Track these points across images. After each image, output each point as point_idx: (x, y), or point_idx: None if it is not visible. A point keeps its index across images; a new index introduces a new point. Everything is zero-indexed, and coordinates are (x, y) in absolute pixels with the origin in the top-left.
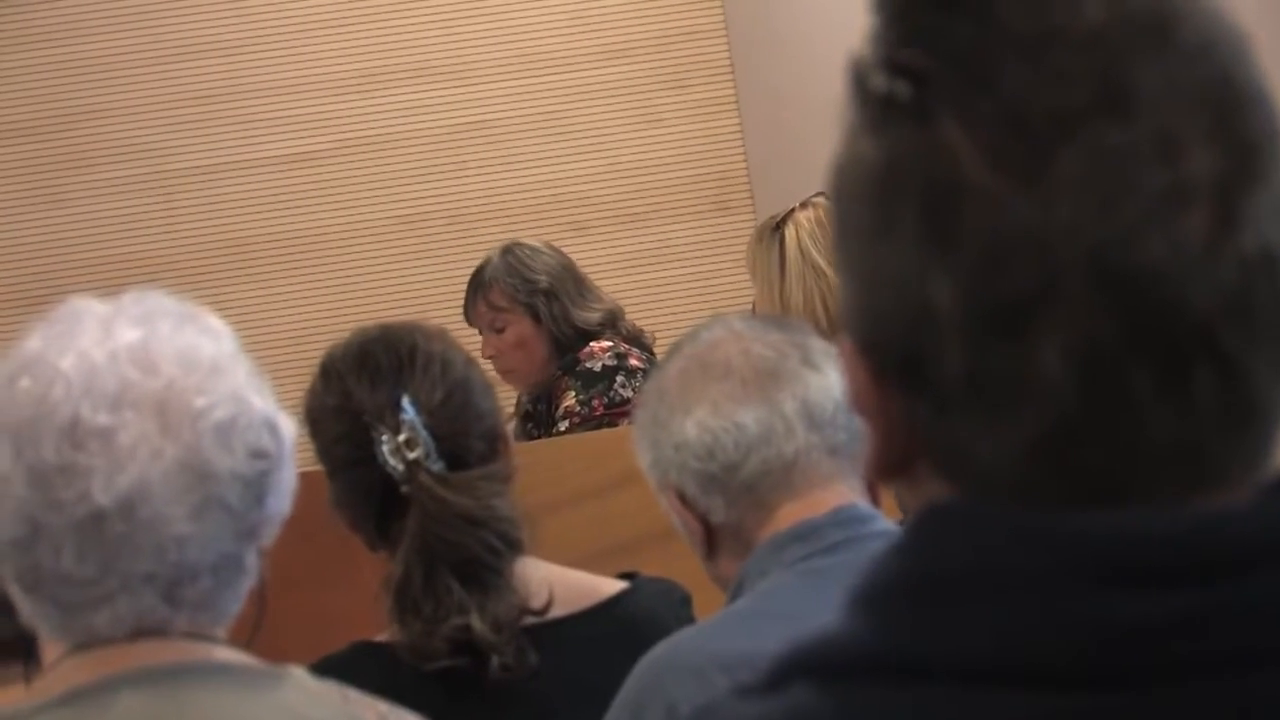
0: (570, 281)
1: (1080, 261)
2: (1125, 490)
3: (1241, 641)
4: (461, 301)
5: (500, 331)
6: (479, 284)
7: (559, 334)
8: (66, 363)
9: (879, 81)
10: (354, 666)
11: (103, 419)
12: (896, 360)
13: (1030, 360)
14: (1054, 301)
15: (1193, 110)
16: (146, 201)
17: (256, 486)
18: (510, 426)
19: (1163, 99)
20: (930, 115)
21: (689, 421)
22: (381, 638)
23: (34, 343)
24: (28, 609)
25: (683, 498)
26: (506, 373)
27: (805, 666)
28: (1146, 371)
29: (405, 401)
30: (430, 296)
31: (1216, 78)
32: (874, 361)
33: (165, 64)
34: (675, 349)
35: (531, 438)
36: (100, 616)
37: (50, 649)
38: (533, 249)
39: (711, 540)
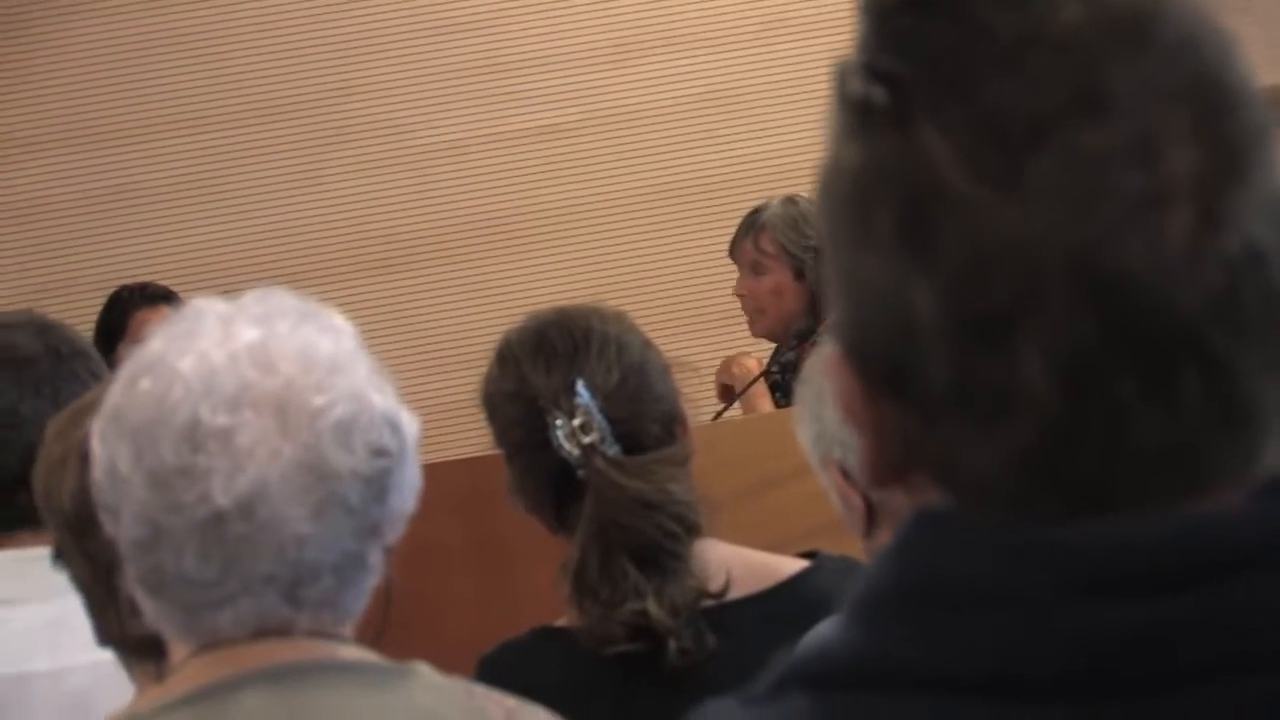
0: None
1: (1060, 267)
2: (1115, 497)
3: (1233, 647)
4: (715, 270)
5: (760, 275)
6: (753, 224)
7: (818, 294)
8: (186, 364)
9: (856, 87)
10: (535, 651)
11: (221, 420)
12: (883, 369)
13: (1014, 368)
14: (1035, 308)
15: (1173, 110)
16: (402, 177)
17: (378, 484)
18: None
19: (1141, 99)
20: (907, 121)
21: None
22: (561, 622)
23: (155, 344)
24: (152, 610)
25: (846, 474)
26: (754, 314)
27: (802, 676)
28: (1132, 376)
29: (580, 385)
30: (685, 267)
31: (1198, 77)
32: (861, 370)
33: (420, 40)
34: None
35: (779, 408)
36: (223, 617)
37: (176, 650)
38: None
39: (872, 518)
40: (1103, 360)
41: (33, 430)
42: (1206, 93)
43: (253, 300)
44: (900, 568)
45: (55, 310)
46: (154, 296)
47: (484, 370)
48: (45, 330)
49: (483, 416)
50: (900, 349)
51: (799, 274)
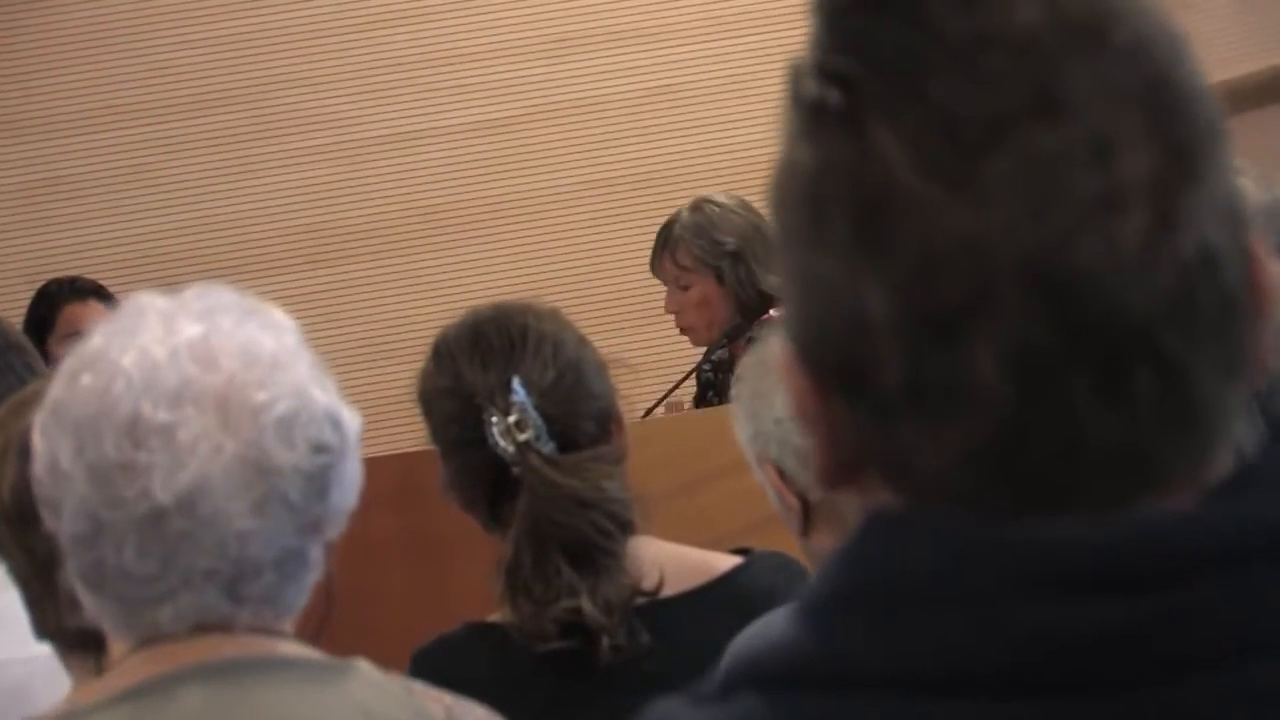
0: (759, 244)
1: (1014, 267)
2: (1068, 496)
3: (1182, 649)
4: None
5: (685, 289)
6: (666, 240)
7: (743, 297)
8: (128, 359)
9: (811, 87)
10: (468, 646)
11: (163, 415)
12: (835, 368)
13: (967, 367)
14: (988, 308)
15: (1128, 112)
16: (339, 170)
17: (319, 481)
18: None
19: (1096, 101)
20: (861, 122)
21: None
22: (494, 618)
23: (96, 339)
24: (92, 605)
25: (781, 473)
26: (686, 329)
27: (752, 675)
28: (1085, 376)
29: (516, 383)
30: (620, 262)
31: (1152, 78)
32: (813, 369)
33: (358, 32)
34: (779, 321)
35: (712, 405)
36: (163, 613)
37: (115, 645)
38: (723, 207)
39: (808, 517)
40: (1056, 360)
41: None
42: (1161, 95)
43: (194, 296)
44: (852, 568)
45: None
46: (83, 291)
47: (420, 364)
48: None
49: (418, 411)
50: (853, 348)
51: (721, 279)
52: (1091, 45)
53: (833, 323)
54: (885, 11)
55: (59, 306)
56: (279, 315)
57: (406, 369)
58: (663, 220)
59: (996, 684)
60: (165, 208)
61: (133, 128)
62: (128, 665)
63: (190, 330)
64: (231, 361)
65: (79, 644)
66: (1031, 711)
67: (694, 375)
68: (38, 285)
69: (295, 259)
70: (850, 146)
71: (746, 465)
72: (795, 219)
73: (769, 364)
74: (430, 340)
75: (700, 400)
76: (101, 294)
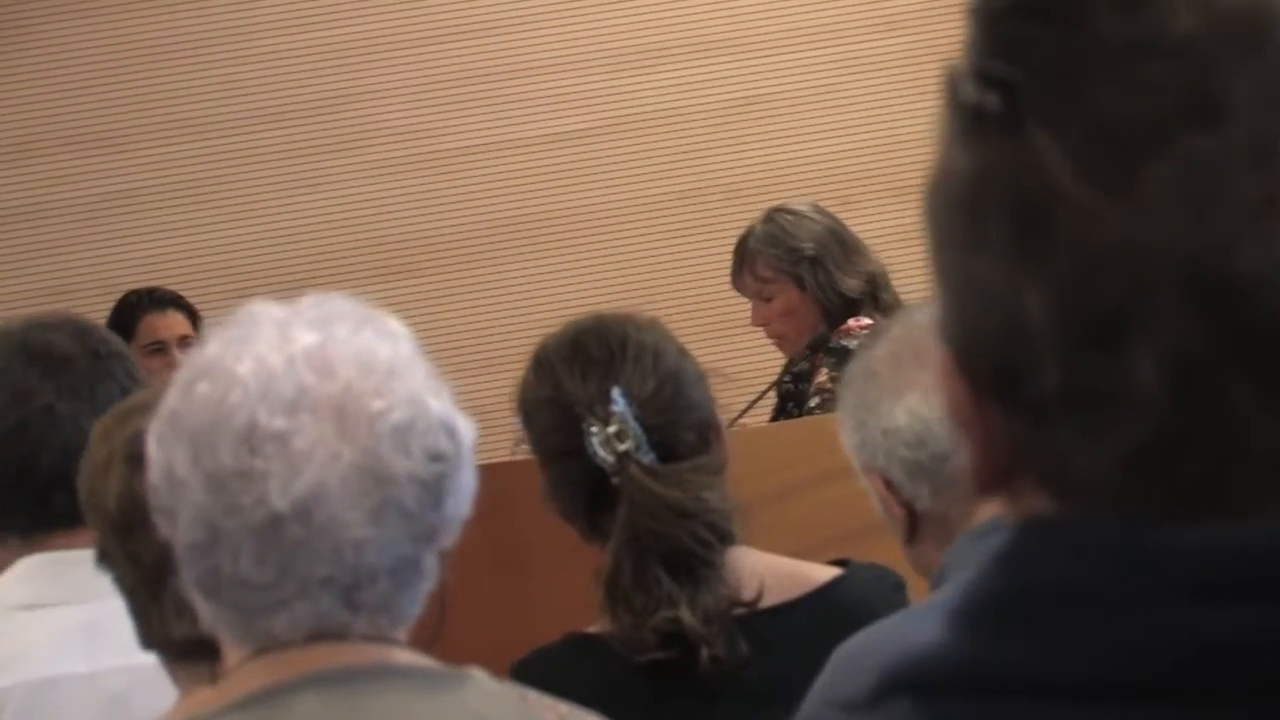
0: (836, 246)
1: (1173, 272)
2: (1226, 502)
3: None
4: None
5: (768, 300)
6: (744, 254)
7: (825, 301)
8: (244, 367)
9: (969, 92)
10: (567, 657)
11: (279, 423)
12: (992, 372)
13: (1126, 373)
14: (1148, 313)
15: None
16: (416, 181)
17: (434, 489)
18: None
19: (1255, 105)
20: (1020, 126)
21: (899, 408)
22: (594, 629)
23: (212, 347)
24: (208, 613)
25: (888, 483)
26: (776, 339)
27: (905, 681)
28: (1246, 381)
29: (616, 393)
30: (705, 272)
31: None
32: (970, 373)
33: (439, 44)
34: (885, 329)
35: (791, 416)
36: (279, 620)
37: (231, 653)
38: (796, 214)
39: (915, 527)
40: (1217, 364)
41: (69, 430)
42: None
43: (310, 304)
44: (1007, 573)
45: None
46: (163, 300)
47: (500, 376)
48: (84, 332)
49: (500, 423)
50: (1010, 353)
51: (802, 286)
52: (1250, 50)
53: (990, 327)
54: (1043, 17)
55: (139, 316)
56: (394, 323)
57: (486, 380)
58: None
59: (1150, 689)
60: (236, 221)
61: (202, 141)
62: (244, 673)
63: (306, 338)
64: (348, 369)
65: (185, 653)
66: (1184, 718)
67: (774, 387)
68: (111, 299)
69: (368, 271)
70: (1009, 151)
71: (833, 476)
72: (952, 223)
73: (876, 372)
74: (510, 351)
75: (780, 412)
76: (181, 304)
